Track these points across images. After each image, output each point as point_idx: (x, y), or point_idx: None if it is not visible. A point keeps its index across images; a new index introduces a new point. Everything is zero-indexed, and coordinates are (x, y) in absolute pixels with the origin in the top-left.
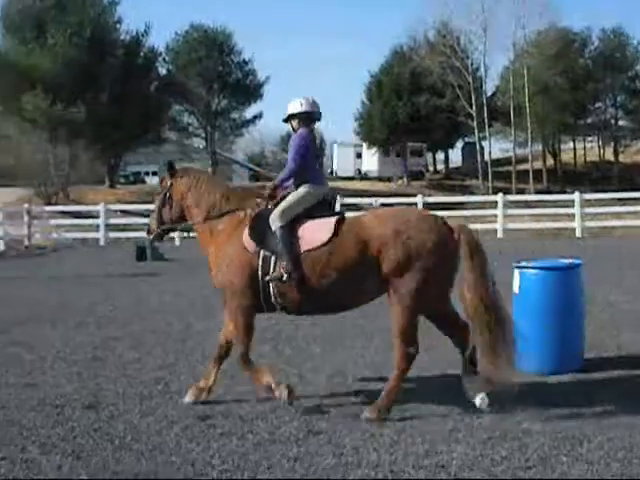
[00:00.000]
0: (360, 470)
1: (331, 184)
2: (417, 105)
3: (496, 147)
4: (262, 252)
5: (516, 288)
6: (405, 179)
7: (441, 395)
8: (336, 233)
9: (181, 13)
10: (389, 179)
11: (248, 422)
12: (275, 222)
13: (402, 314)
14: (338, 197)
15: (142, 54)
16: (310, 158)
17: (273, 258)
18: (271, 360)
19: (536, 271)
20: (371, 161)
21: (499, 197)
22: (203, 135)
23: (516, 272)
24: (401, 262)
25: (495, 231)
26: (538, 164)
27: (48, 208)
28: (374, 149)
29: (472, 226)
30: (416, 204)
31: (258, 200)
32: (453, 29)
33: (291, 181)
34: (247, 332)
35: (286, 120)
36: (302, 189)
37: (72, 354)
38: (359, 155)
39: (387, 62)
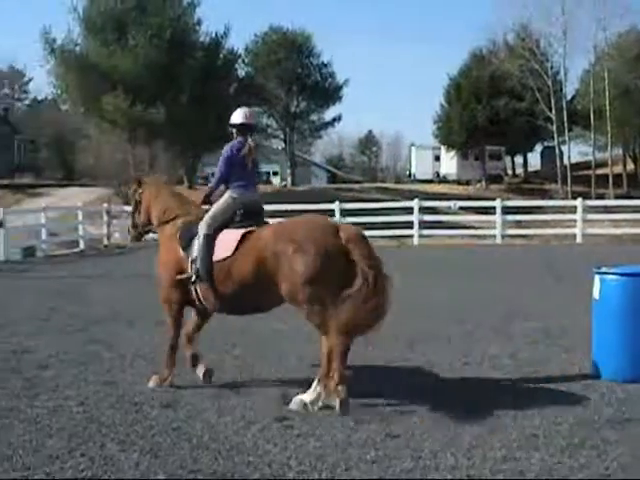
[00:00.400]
0: (438, 473)
1: (409, 187)
2: (496, 108)
3: (575, 151)
4: (189, 255)
5: (596, 294)
6: (483, 182)
7: (520, 401)
8: (237, 249)
9: (260, 15)
10: (467, 182)
11: (325, 424)
12: (201, 230)
13: (312, 316)
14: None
15: (222, 56)
16: (238, 167)
17: (192, 260)
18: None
19: (617, 277)
20: (450, 164)
21: (578, 202)
22: (282, 137)
23: (597, 278)
24: (295, 275)
25: (574, 236)
26: (618, 168)
27: (127, 208)
28: (453, 152)
29: (551, 231)
30: (494, 208)
31: (205, 207)
32: (532, 32)
33: (221, 188)
34: (174, 325)
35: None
36: (223, 198)
37: (151, 353)
38: (437, 158)
39: (466, 65)
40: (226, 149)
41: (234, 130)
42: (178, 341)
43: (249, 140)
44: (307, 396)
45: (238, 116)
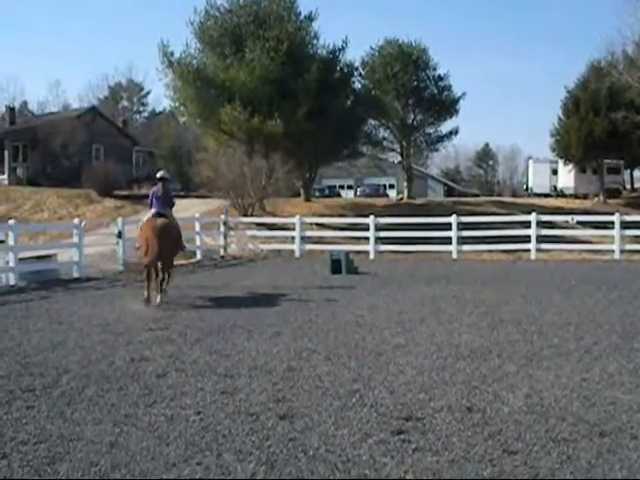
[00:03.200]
0: None
1: (526, 201)
2: (615, 121)
3: None
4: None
5: None
6: (601, 197)
7: None
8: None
9: (376, 28)
10: (585, 196)
11: (443, 438)
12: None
13: None
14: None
15: (338, 69)
16: (156, 200)
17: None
18: (466, 378)
19: None
20: (567, 178)
21: None
22: (398, 150)
23: None
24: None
25: None
26: None
27: (244, 219)
28: (570, 166)
29: None
30: (613, 222)
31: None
32: None
33: (153, 210)
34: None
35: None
36: (150, 212)
37: (267, 364)
38: (555, 172)
39: (584, 77)
40: (151, 190)
41: (157, 179)
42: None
43: (160, 185)
44: None
45: (159, 173)
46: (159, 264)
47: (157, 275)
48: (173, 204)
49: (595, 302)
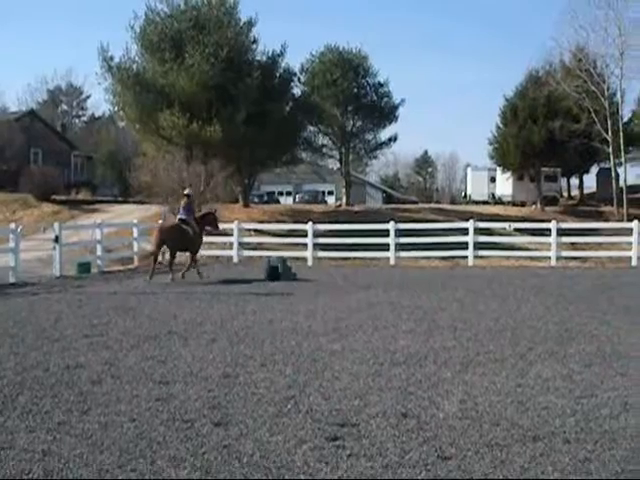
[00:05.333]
0: None
1: (464, 208)
2: (552, 130)
3: (632, 173)
4: None
5: None
6: (539, 204)
7: (574, 425)
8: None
9: (316, 34)
10: (523, 204)
11: (377, 444)
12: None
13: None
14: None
15: (278, 75)
16: (182, 210)
17: None
18: (401, 384)
19: None
20: (505, 185)
21: (634, 224)
22: (337, 156)
23: None
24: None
25: (629, 259)
26: None
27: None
28: (508, 173)
29: (606, 253)
30: (550, 229)
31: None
32: (589, 53)
33: (178, 216)
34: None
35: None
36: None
37: (203, 370)
38: (493, 179)
39: (522, 86)
40: (182, 202)
41: (184, 195)
42: None
43: (185, 199)
44: None
45: (185, 191)
46: (165, 253)
47: (170, 263)
48: (194, 212)
49: (531, 308)
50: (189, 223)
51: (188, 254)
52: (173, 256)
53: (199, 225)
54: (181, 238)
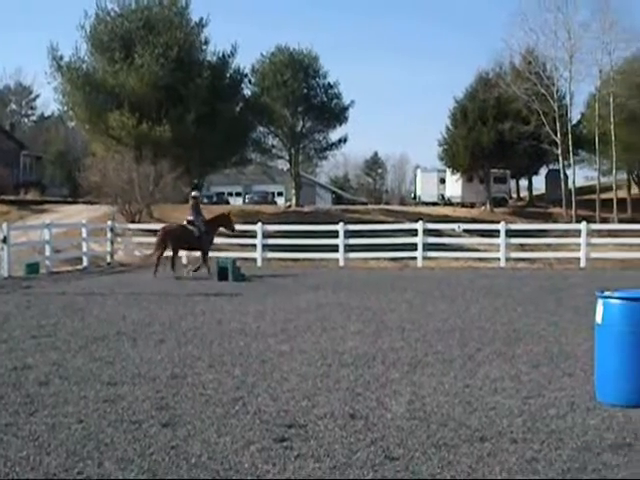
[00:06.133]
0: None
1: (414, 209)
2: (501, 131)
3: (580, 175)
4: None
5: (599, 318)
6: (488, 205)
7: (521, 425)
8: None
9: (266, 34)
10: (472, 205)
11: (325, 445)
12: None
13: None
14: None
15: (228, 75)
16: (191, 210)
17: None
18: (350, 385)
19: (620, 301)
20: (454, 187)
21: (582, 225)
22: (287, 157)
23: (599, 302)
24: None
25: (578, 260)
26: (622, 193)
27: (132, 226)
28: (458, 175)
29: (555, 254)
30: (498, 231)
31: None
32: (539, 55)
33: (187, 217)
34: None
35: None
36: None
37: (151, 371)
38: (442, 181)
39: (472, 88)
40: (190, 204)
41: (192, 197)
42: None
43: (192, 200)
44: None
45: (192, 193)
46: (167, 251)
47: (172, 260)
48: (201, 213)
49: (480, 309)
50: (195, 224)
51: (199, 254)
52: (175, 255)
53: (209, 225)
54: (185, 238)
